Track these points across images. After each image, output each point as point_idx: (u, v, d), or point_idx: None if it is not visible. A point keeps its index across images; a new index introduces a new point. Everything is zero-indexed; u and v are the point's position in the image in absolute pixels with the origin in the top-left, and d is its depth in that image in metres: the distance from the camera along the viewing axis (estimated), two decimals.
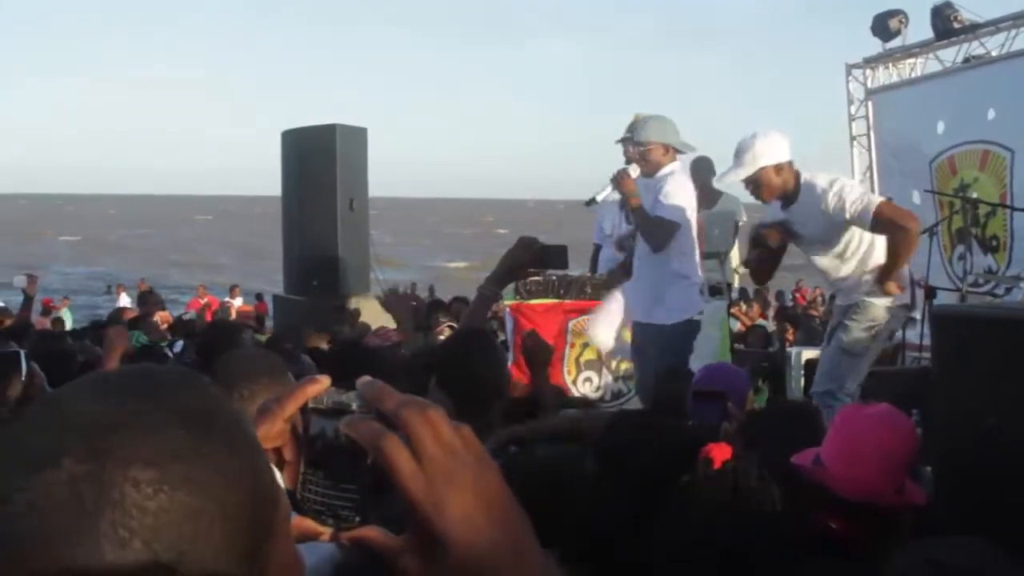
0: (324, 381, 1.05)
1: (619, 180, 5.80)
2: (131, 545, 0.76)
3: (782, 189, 5.28)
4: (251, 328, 11.88)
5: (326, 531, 0.99)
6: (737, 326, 12.55)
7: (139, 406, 0.81)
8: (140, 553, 0.76)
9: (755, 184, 5.29)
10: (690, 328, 5.92)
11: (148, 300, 13.07)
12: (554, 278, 7.70)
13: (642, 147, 5.91)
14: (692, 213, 5.92)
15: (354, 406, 1.00)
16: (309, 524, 0.99)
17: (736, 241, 8.86)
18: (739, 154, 5.31)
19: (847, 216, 5.08)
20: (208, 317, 14.10)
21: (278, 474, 1.08)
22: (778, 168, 5.23)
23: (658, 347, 5.92)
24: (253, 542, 0.83)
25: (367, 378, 0.96)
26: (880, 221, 5.02)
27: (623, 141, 7.06)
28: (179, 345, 7.29)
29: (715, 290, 8.04)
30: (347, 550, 1.00)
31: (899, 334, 7.57)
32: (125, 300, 22.75)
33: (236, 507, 0.81)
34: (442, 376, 3.61)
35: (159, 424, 0.80)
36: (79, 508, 0.75)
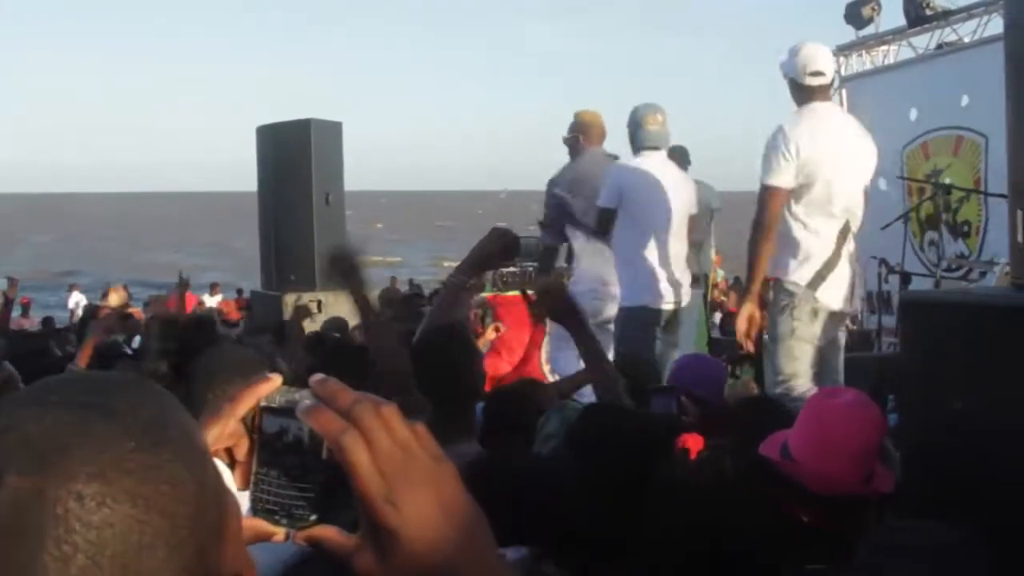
0: (276, 380, 1.05)
1: None
2: (75, 560, 0.75)
3: None
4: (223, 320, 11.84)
5: (279, 531, 0.99)
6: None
7: (86, 418, 0.80)
8: (84, 568, 0.75)
9: None
10: (638, 316, 5.98)
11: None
12: (530, 268, 7.69)
13: None
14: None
15: (307, 403, 0.99)
16: (261, 525, 0.98)
17: (712, 229, 8.87)
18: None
19: None
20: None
21: (230, 474, 1.08)
22: None
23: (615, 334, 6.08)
24: (201, 551, 0.83)
25: (320, 376, 0.95)
26: None
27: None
28: (136, 340, 7.26)
29: (692, 278, 8.04)
30: (302, 550, 1.00)
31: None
32: (76, 297, 22.63)
33: (183, 518, 0.81)
34: (417, 371, 3.59)
35: (105, 437, 0.79)
36: (22, 524, 0.75)
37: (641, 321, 5.99)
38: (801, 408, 2.96)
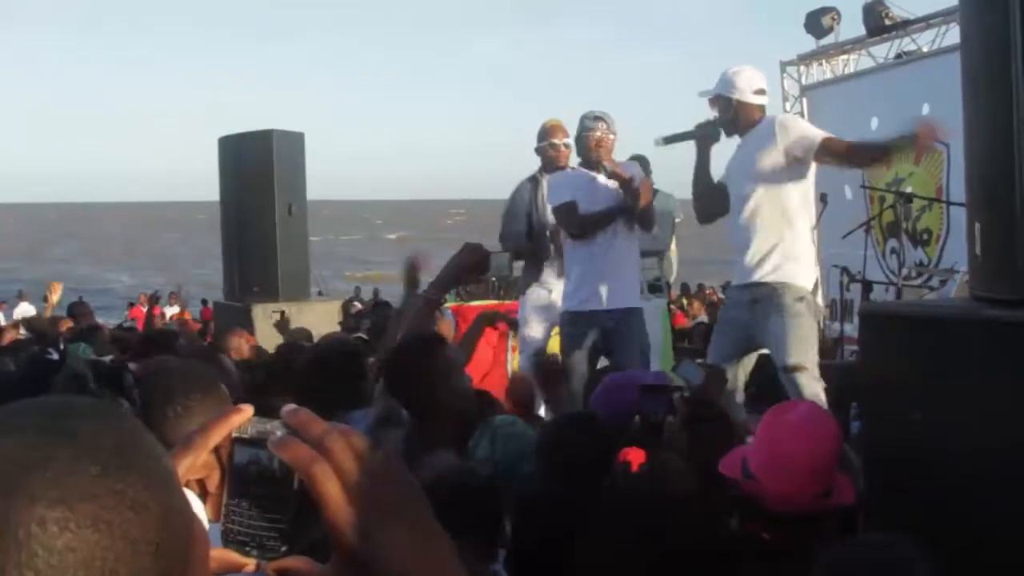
0: (247, 411, 1.04)
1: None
2: None
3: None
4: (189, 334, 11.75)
5: (250, 563, 0.99)
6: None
7: (50, 442, 0.79)
8: None
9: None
10: (575, 319, 6.11)
11: (78, 311, 12.64)
12: (493, 279, 7.69)
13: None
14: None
15: (279, 434, 0.99)
16: (232, 556, 0.98)
17: (674, 238, 8.91)
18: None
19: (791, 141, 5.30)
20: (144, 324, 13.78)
21: (202, 505, 1.08)
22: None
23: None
24: None
25: (292, 406, 0.95)
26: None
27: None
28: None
29: (655, 287, 8.08)
30: None
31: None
32: (24, 308, 22.30)
33: (147, 544, 0.80)
34: (392, 383, 3.57)
35: (69, 461, 0.79)
36: None
37: (578, 324, 6.01)
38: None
